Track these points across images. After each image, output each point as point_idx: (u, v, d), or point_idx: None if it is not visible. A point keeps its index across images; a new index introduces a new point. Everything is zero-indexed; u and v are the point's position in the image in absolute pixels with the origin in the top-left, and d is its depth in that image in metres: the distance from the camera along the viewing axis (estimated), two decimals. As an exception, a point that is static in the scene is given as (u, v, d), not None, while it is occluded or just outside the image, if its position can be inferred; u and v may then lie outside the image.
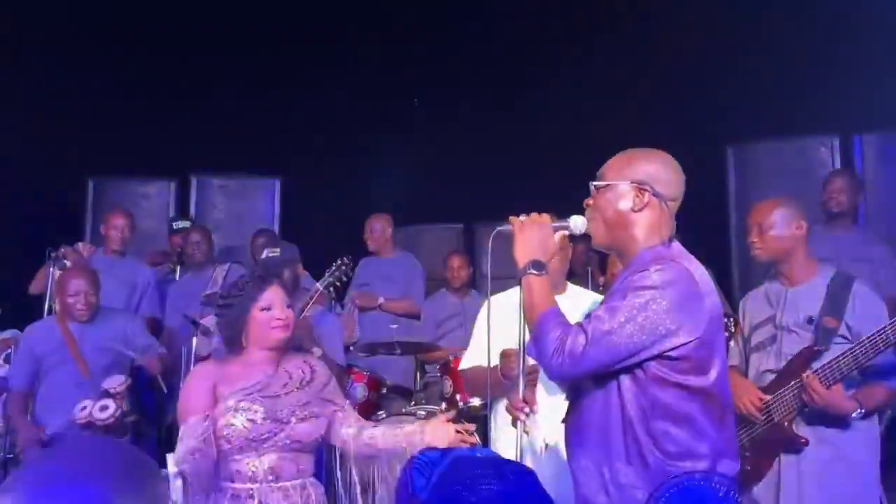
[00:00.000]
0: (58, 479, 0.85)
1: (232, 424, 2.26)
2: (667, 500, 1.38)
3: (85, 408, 3.48)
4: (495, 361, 2.41)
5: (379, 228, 5.10)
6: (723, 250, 5.21)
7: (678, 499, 1.38)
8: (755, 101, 5.04)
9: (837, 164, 4.89)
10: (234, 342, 2.39)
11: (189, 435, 2.22)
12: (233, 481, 2.28)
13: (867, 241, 4.00)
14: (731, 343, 2.83)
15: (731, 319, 2.82)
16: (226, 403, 2.29)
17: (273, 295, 2.37)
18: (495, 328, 2.43)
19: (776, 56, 5.00)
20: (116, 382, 3.59)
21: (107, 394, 3.54)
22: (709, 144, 5.11)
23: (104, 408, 3.48)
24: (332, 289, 4.66)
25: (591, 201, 1.99)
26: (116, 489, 0.85)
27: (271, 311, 2.35)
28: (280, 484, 2.29)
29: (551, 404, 2.26)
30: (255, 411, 2.28)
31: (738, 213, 5.28)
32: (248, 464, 2.28)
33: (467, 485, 0.98)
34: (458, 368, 2.68)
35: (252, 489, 2.26)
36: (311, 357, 2.56)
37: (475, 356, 2.65)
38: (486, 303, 2.49)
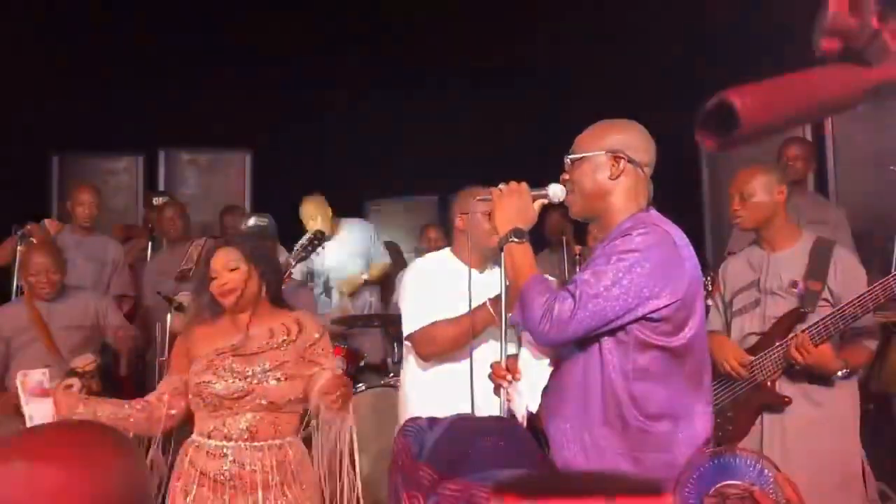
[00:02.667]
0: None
1: (206, 382, 2.31)
2: (702, 474, 1.40)
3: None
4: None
5: (313, 211, 4.89)
6: (696, 216, 5.26)
7: (713, 472, 1.39)
8: (727, 68, 5.06)
9: (808, 130, 4.95)
10: (209, 307, 2.43)
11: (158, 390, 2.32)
12: (209, 437, 2.33)
13: (823, 204, 4.11)
14: (712, 307, 2.87)
15: (709, 278, 2.86)
16: (199, 363, 2.35)
17: (216, 262, 2.39)
18: (427, 291, 2.46)
19: (747, 22, 5.01)
20: (84, 361, 3.54)
21: (73, 373, 3.50)
22: (680, 110, 5.13)
23: (68, 387, 3.44)
24: (306, 261, 4.64)
25: (567, 175, 2.01)
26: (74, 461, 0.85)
27: (216, 278, 2.38)
28: (257, 443, 2.31)
29: (534, 372, 2.27)
30: (226, 370, 2.32)
31: (711, 179, 5.35)
32: (224, 422, 2.31)
33: (471, 443, 0.98)
34: (410, 332, 2.62)
35: (227, 447, 2.30)
36: (302, 314, 2.51)
37: (422, 319, 2.62)
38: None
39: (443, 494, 0.96)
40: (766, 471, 1.40)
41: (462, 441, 1.01)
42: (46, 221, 4.69)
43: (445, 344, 2.55)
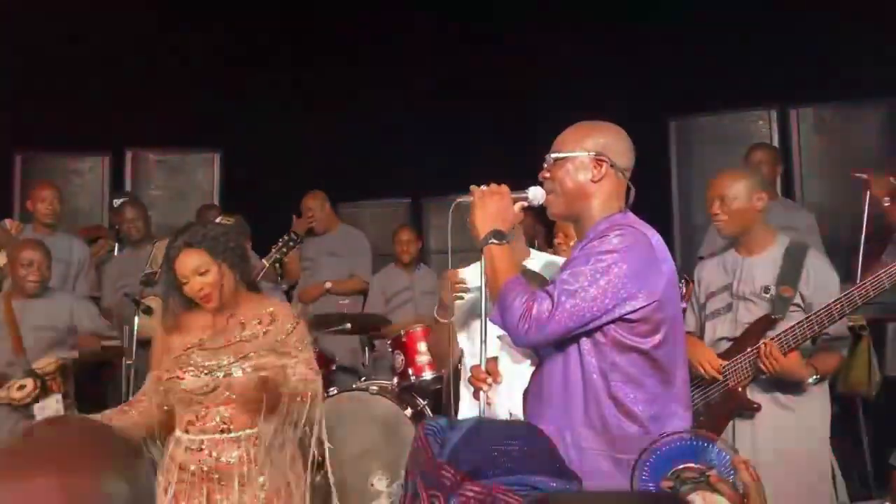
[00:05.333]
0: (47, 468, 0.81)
1: (174, 378, 2.30)
2: (659, 457, 1.39)
3: (9, 387, 3.39)
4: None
5: (317, 207, 4.97)
6: (664, 222, 5.30)
7: (671, 455, 1.38)
8: (695, 75, 5.13)
9: (775, 137, 5.03)
10: (182, 305, 2.40)
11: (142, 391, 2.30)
12: (186, 432, 2.32)
13: (792, 209, 4.15)
14: (687, 308, 2.89)
15: (683, 280, 2.85)
16: (168, 359, 2.33)
17: (183, 267, 2.31)
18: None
19: (715, 31, 5.08)
20: (45, 362, 3.49)
21: (31, 373, 3.45)
22: (650, 118, 5.18)
23: (21, 387, 3.40)
24: (277, 265, 4.59)
25: (547, 174, 2.01)
26: (105, 471, 0.82)
27: (188, 283, 2.32)
28: (232, 435, 2.30)
29: (514, 374, 2.27)
30: (192, 364, 2.30)
31: (680, 184, 5.41)
32: (198, 416, 2.30)
33: (498, 446, 0.97)
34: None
35: (203, 440, 2.29)
36: (279, 305, 2.51)
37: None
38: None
39: (464, 495, 0.94)
40: (723, 453, 1.41)
41: (488, 444, 0.99)
42: (7, 222, 4.58)
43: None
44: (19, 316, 3.60)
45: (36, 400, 3.40)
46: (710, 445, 1.40)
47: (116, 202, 5.02)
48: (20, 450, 0.84)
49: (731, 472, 1.37)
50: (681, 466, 1.37)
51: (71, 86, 5.39)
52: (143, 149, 5.85)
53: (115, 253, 4.92)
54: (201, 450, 2.29)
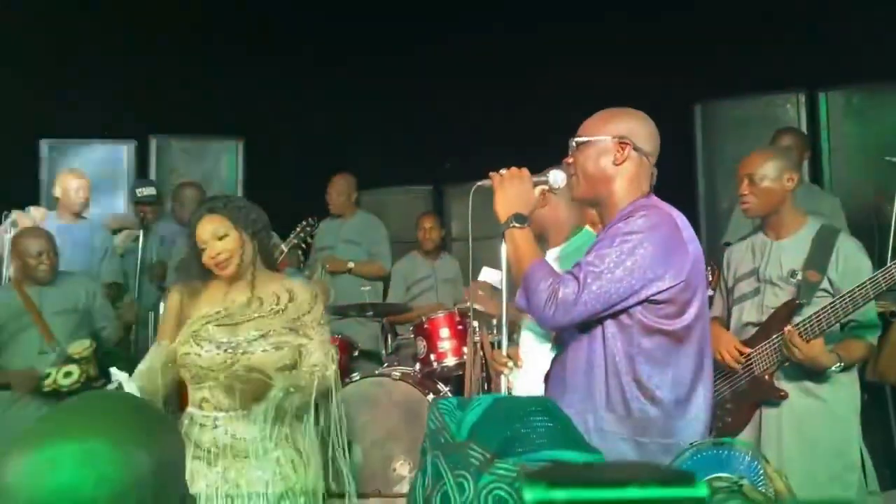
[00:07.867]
0: (70, 434, 0.82)
1: (188, 353, 2.22)
2: (689, 468, 1.36)
3: (49, 374, 3.40)
4: None
5: (339, 190, 5.01)
6: (689, 207, 5.24)
7: (701, 465, 1.36)
8: (721, 58, 5.05)
9: (803, 121, 4.94)
10: (199, 277, 2.33)
11: (148, 358, 2.20)
12: (200, 408, 2.27)
13: (818, 194, 4.07)
14: (715, 294, 2.83)
15: (710, 268, 2.79)
16: (183, 331, 2.25)
17: (202, 231, 2.28)
18: None
19: (742, 13, 5.00)
20: (80, 347, 3.50)
21: (71, 359, 3.46)
22: (675, 102, 5.11)
23: (68, 374, 3.40)
24: (298, 250, 4.61)
25: (571, 159, 2.00)
26: (127, 440, 0.82)
27: (205, 248, 2.28)
28: (247, 412, 2.24)
29: (535, 358, 2.26)
30: (210, 340, 2.23)
31: (705, 170, 5.33)
32: (212, 393, 2.24)
33: (522, 422, 0.96)
34: None
35: (218, 417, 2.24)
36: (296, 284, 2.43)
37: None
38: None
39: (495, 474, 0.92)
40: (756, 463, 1.38)
41: (511, 421, 0.98)
42: (32, 209, 4.62)
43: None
44: (38, 304, 3.62)
45: (84, 385, 3.41)
46: (741, 455, 1.37)
47: (140, 192, 5.05)
48: (47, 419, 0.85)
49: (763, 480, 1.33)
50: (712, 476, 1.34)
51: (95, 74, 5.43)
52: (167, 136, 5.88)
53: (140, 241, 4.95)
54: (216, 427, 2.23)
